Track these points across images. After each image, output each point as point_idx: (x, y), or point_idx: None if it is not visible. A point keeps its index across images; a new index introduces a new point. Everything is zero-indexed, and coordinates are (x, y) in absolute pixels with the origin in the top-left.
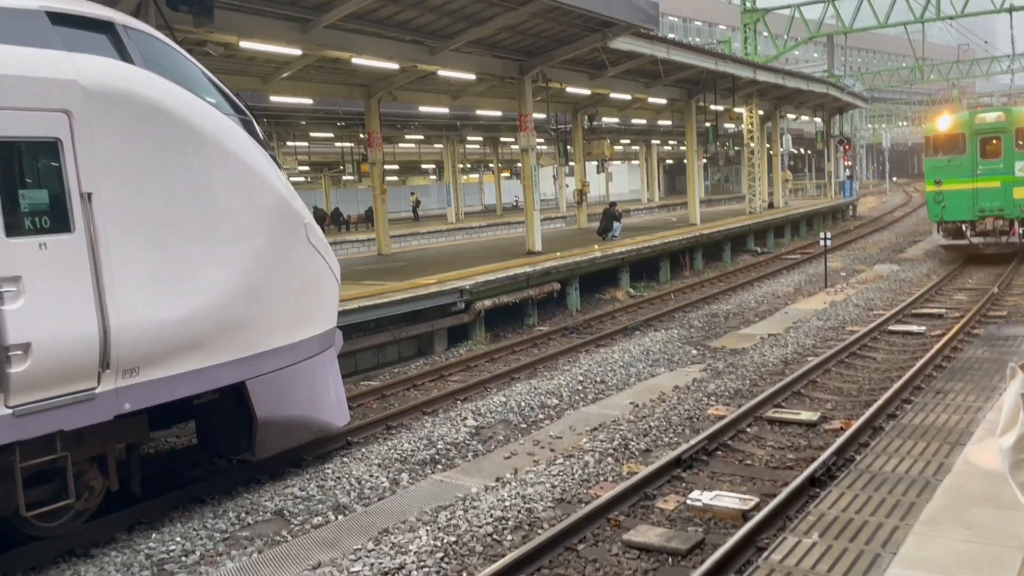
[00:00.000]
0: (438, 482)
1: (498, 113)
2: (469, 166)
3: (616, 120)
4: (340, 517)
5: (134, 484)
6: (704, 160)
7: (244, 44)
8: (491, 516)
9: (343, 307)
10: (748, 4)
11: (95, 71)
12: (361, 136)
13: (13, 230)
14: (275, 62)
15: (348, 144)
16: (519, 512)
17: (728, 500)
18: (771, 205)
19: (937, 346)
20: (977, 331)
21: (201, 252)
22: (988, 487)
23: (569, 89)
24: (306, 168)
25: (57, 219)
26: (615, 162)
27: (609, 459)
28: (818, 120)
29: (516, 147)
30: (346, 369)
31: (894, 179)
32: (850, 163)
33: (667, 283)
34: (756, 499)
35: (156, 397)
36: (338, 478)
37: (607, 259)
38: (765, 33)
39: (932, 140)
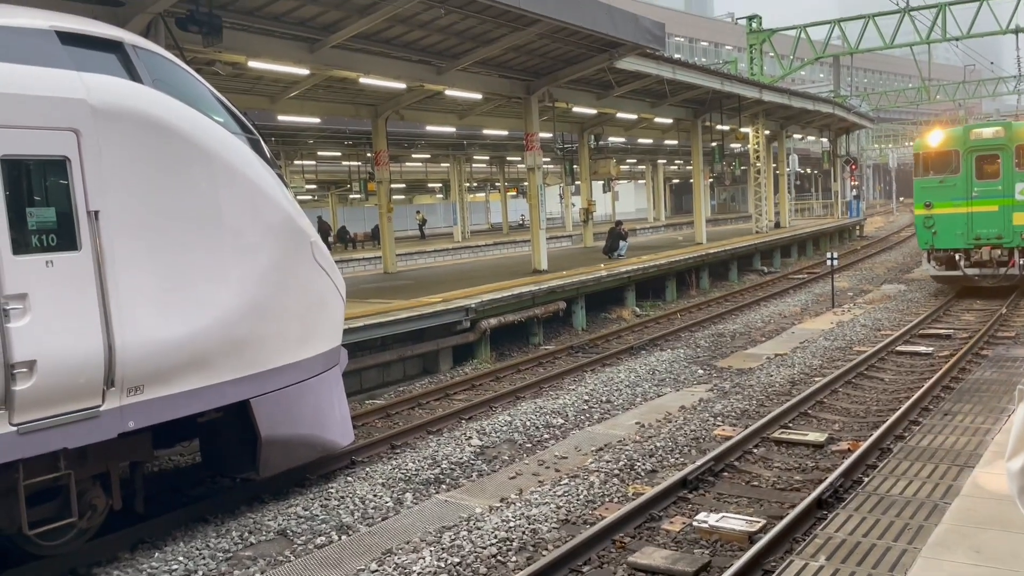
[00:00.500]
0: (442, 502)
1: (504, 132)
2: (475, 185)
3: (622, 139)
4: (344, 537)
5: (137, 503)
6: (710, 179)
7: (252, 64)
8: (495, 537)
9: (349, 325)
10: (754, 25)
11: (104, 90)
12: (368, 155)
13: (20, 248)
14: (283, 81)
15: (355, 163)
16: (524, 533)
17: (735, 522)
18: (777, 225)
19: (945, 367)
20: (985, 352)
21: (207, 270)
22: (997, 510)
23: (575, 109)
24: (313, 186)
25: (64, 237)
26: (621, 181)
27: (615, 480)
28: (824, 140)
29: (522, 166)
30: (351, 387)
31: (901, 199)
32: (856, 183)
33: (673, 302)
34: (763, 521)
35: (160, 415)
36: (342, 498)
37: (613, 278)
38: (771, 53)
39: (922, 158)
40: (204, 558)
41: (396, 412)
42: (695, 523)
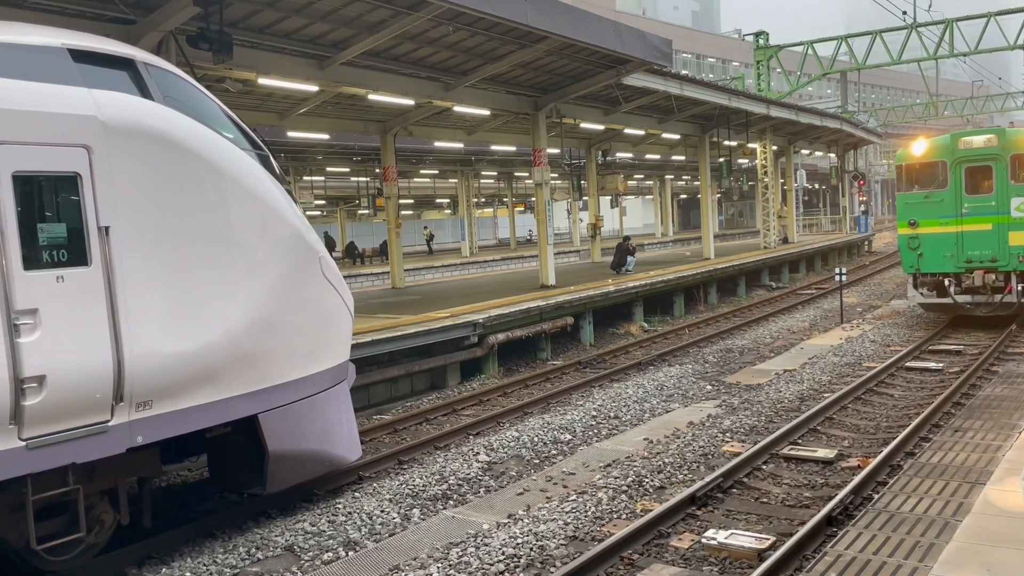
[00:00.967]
0: (450, 518)
1: (512, 148)
2: (483, 200)
3: (630, 155)
4: (351, 553)
5: (145, 518)
6: (718, 195)
7: (262, 80)
8: (503, 553)
9: (357, 340)
10: (761, 41)
11: (115, 107)
12: (376, 170)
13: (31, 263)
14: (293, 98)
15: (364, 178)
16: (531, 549)
17: (744, 539)
18: (786, 240)
19: (955, 383)
20: (996, 368)
21: (216, 285)
22: (1009, 528)
23: (583, 125)
24: (322, 202)
25: (74, 252)
26: (629, 196)
27: (623, 496)
28: (832, 156)
29: (530, 181)
30: (359, 403)
31: None
32: (865, 198)
33: (681, 318)
34: (772, 538)
35: (169, 430)
36: (349, 513)
37: (621, 293)
38: (778, 70)
39: (905, 170)
40: (211, 574)
41: (404, 427)
42: (704, 540)
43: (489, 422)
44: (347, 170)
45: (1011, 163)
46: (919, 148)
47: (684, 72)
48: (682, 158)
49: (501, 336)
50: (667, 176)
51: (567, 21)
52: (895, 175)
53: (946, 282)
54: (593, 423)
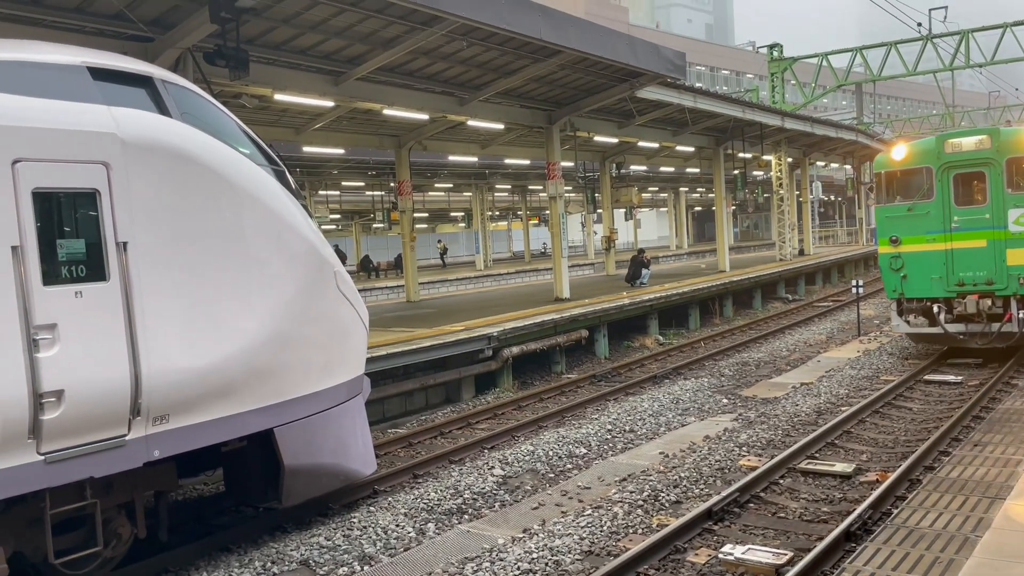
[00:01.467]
0: (465, 532)
1: (527, 161)
2: (498, 213)
3: (644, 167)
4: (366, 568)
5: (162, 532)
6: (733, 207)
7: (278, 96)
8: (518, 569)
9: (372, 354)
10: (775, 54)
11: (133, 124)
12: (391, 185)
13: (50, 278)
14: (308, 113)
15: (379, 192)
16: (546, 565)
17: (761, 554)
18: (802, 252)
19: (975, 396)
20: (1016, 381)
21: (233, 300)
22: None
23: (597, 138)
24: (338, 216)
25: (93, 268)
26: (644, 209)
27: (638, 510)
28: (848, 167)
29: (544, 194)
30: (374, 416)
31: None
32: None
33: (697, 330)
34: (790, 554)
35: (185, 444)
36: (364, 527)
37: (635, 306)
38: (793, 81)
39: (884, 179)
40: None
41: (419, 441)
42: (721, 555)
43: (504, 436)
44: (362, 184)
45: (1007, 168)
46: (899, 153)
47: (698, 85)
48: (696, 170)
49: (516, 349)
50: (682, 188)
51: (580, 35)
52: (874, 185)
53: (935, 309)
54: (608, 437)
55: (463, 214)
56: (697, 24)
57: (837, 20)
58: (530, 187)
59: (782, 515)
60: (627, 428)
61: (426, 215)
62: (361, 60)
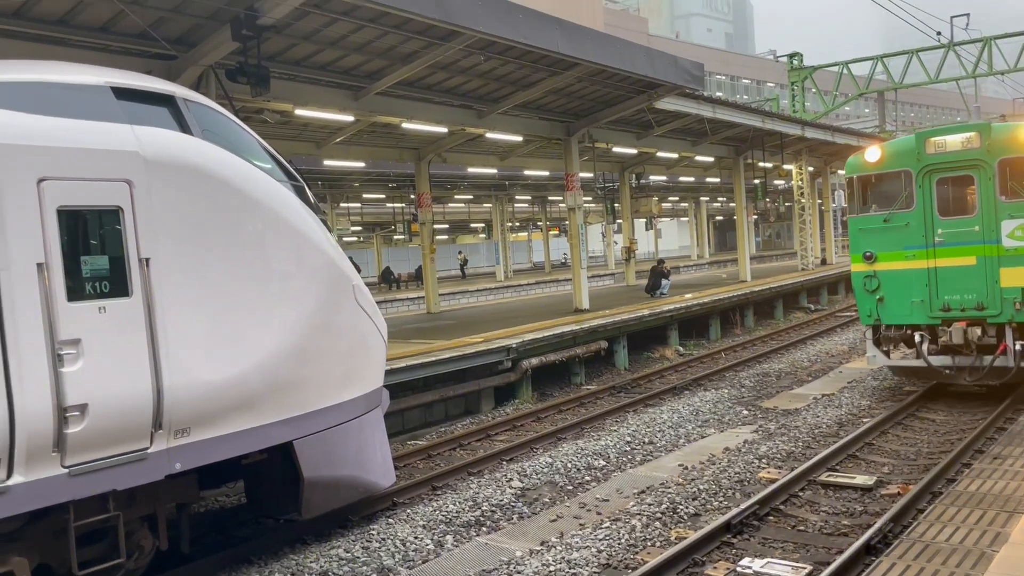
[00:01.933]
0: (483, 545)
1: (546, 173)
2: (518, 224)
3: (664, 178)
4: None
5: (184, 544)
6: (754, 216)
7: (299, 112)
8: None
9: (392, 366)
10: (795, 63)
11: (155, 142)
12: (412, 196)
13: (74, 294)
14: (329, 128)
15: (399, 204)
16: None
17: (780, 568)
18: (824, 262)
19: (1000, 408)
20: None
21: (253, 314)
22: None
23: (615, 149)
24: (359, 228)
25: (116, 284)
26: (665, 218)
27: (657, 523)
28: None
29: (564, 205)
30: (394, 428)
31: None
32: None
33: (717, 341)
34: (809, 567)
35: (206, 457)
36: (383, 540)
37: (655, 317)
38: (813, 90)
39: (858, 184)
40: None
41: (438, 453)
42: (739, 569)
43: (523, 447)
44: (383, 197)
45: (1000, 171)
46: (873, 154)
47: (718, 94)
48: (717, 180)
49: (535, 361)
50: (702, 198)
51: (598, 47)
52: (846, 191)
53: (917, 338)
54: (627, 449)
55: (483, 225)
56: (717, 33)
57: (858, 27)
58: (550, 198)
59: (802, 528)
60: (646, 440)
61: (446, 226)
62: (380, 75)
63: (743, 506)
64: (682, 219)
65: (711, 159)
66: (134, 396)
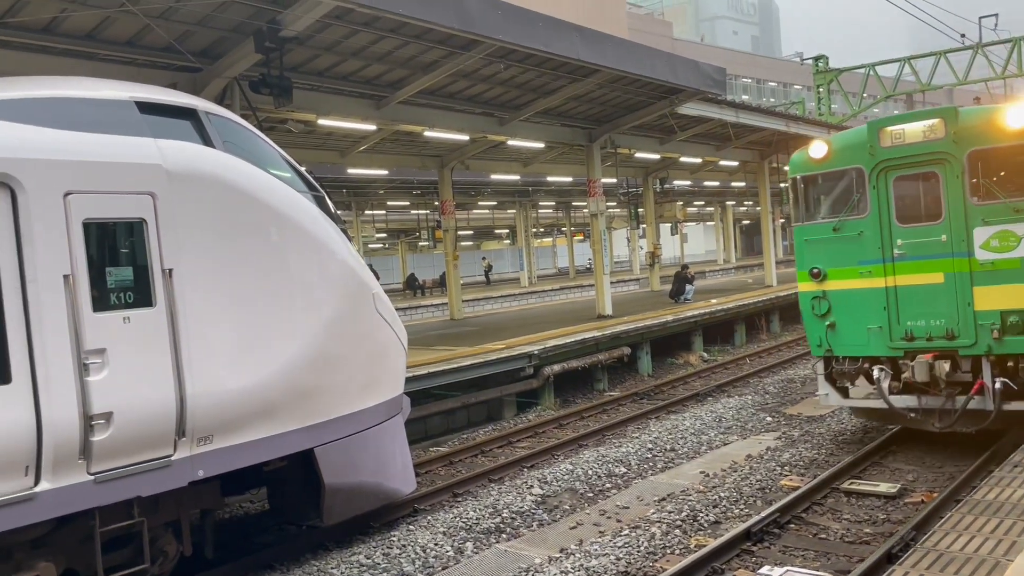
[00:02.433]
0: (502, 552)
1: (569, 179)
2: (542, 230)
3: (688, 182)
4: None
5: (207, 550)
6: (781, 220)
7: (322, 121)
8: None
9: (414, 373)
10: (820, 65)
11: (178, 155)
12: (435, 203)
13: (100, 305)
14: (352, 137)
15: (423, 211)
16: None
17: None
18: None
19: None
20: None
21: (274, 323)
22: None
23: (638, 154)
24: (384, 235)
25: (140, 294)
26: (690, 223)
27: (676, 531)
28: None
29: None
30: (417, 434)
31: None
32: None
33: (742, 347)
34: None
35: (229, 464)
36: (403, 546)
37: (679, 323)
38: (840, 93)
39: (801, 186)
40: None
41: (459, 459)
42: None
43: (544, 454)
44: (407, 204)
45: (969, 166)
46: (819, 150)
47: (744, 97)
48: (742, 184)
49: (557, 367)
50: (728, 202)
51: (618, 54)
52: (789, 193)
53: (875, 373)
54: (649, 456)
55: (507, 231)
56: (743, 36)
57: (886, 29)
58: (574, 203)
59: (823, 536)
60: (668, 447)
61: (471, 232)
62: (402, 84)
63: (763, 513)
64: (708, 223)
65: (736, 163)
66: (158, 404)
